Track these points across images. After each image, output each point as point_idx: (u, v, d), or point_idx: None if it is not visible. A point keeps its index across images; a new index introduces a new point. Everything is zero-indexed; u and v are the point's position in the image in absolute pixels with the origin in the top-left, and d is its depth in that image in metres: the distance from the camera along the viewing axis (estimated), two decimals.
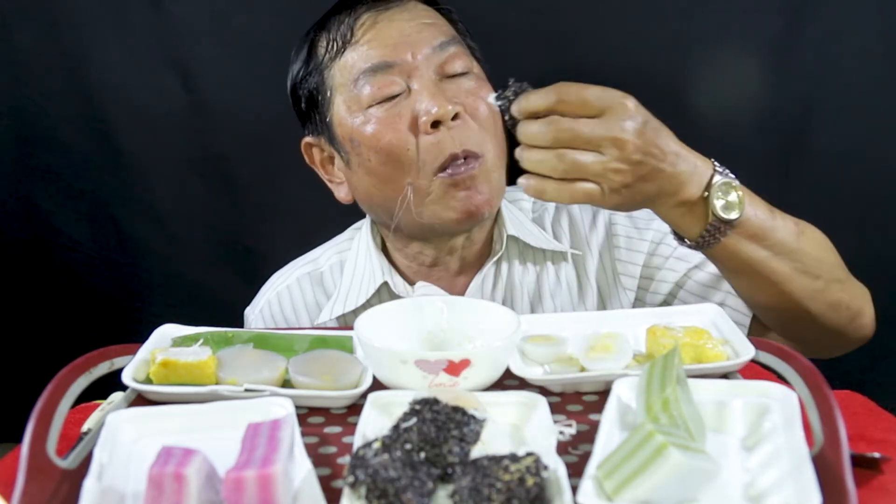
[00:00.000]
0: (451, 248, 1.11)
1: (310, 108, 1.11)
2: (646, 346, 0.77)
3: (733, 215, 0.87)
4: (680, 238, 0.93)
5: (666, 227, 1.10)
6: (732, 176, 0.89)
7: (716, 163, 0.91)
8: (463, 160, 1.01)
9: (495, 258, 1.12)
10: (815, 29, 1.51)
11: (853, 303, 1.01)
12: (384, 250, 1.16)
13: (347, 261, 1.18)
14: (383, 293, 1.13)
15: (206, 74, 1.59)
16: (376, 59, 1.02)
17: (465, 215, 1.03)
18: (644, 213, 1.14)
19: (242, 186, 1.65)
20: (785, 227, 0.92)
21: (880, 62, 1.53)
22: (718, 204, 0.87)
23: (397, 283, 1.13)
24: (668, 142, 0.88)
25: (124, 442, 0.63)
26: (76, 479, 0.58)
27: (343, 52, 1.05)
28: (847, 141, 1.56)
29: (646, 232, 1.14)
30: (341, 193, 1.14)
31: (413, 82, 1.02)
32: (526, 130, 0.84)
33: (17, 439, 0.62)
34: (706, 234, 0.88)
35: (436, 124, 1.00)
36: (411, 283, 1.14)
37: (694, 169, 0.89)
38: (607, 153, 0.82)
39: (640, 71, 1.56)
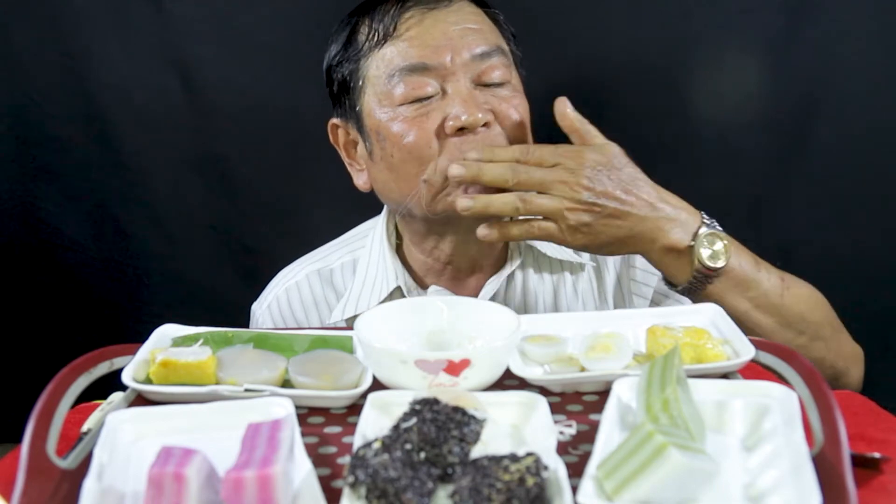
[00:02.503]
0: (466, 244, 1.10)
1: (341, 93, 1.10)
2: (646, 346, 0.77)
3: (719, 264, 0.96)
4: (669, 283, 1.01)
5: None
6: (719, 227, 0.98)
7: (704, 214, 0.99)
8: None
9: (512, 268, 1.13)
10: (815, 29, 1.51)
11: (838, 363, 1.05)
12: (398, 251, 1.16)
13: (360, 260, 1.17)
14: (396, 297, 1.13)
15: (206, 74, 1.59)
16: (415, 59, 1.02)
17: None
18: None
19: (242, 186, 1.65)
20: (769, 280, 1.00)
21: (880, 62, 1.53)
22: (705, 253, 0.96)
23: (410, 287, 1.13)
24: (642, 189, 0.97)
25: (124, 442, 0.63)
26: (76, 479, 0.58)
27: (383, 45, 1.04)
28: (847, 141, 1.56)
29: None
30: (360, 181, 1.13)
31: (448, 86, 1.02)
32: (493, 170, 0.96)
33: (17, 439, 0.62)
34: (693, 280, 0.97)
35: (462, 129, 1.00)
36: (424, 288, 1.14)
37: (677, 217, 0.97)
38: (559, 193, 0.94)
39: (641, 71, 1.56)
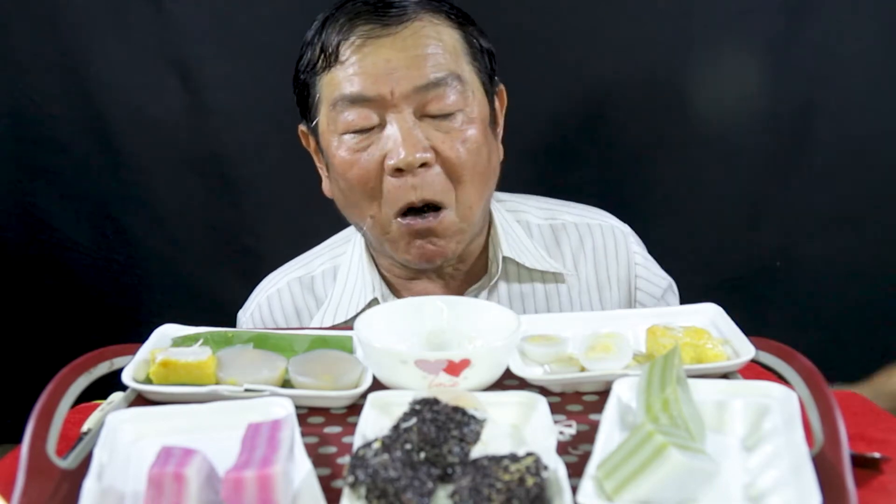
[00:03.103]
0: (419, 269, 1.09)
1: (302, 103, 1.09)
2: (646, 346, 0.77)
3: None
4: None
5: (669, 279, 1.16)
6: None
7: None
8: (423, 209, 1.00)
9: (491, 283, 1.12)
10: (815, 29, 1.51)
11: None
12: (373, 258, 1.15)
13: (341, 267, 1.16)
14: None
15: (206, 74, 1.59)
16: (355, 90, 0.98)
17: (419, 260, 1.03)
18: (652, 263, 1.18)
19: (242, 186, 1.65)
20: None
21: (880, 62, 1.53)
22: None
23: (387, 298, 1.12)
24: None
25: (124, 442, 0.63)
26: (76, 480, 0.58)
27: (330, 68, 1.01)
28: (847, 141, 1.56)
29: (661, 279, 1.17)
30: (325, 187, 1.13)
31: (388, 119, 0.99)
32: None
33: (17, 439, 0.62)
34: None
35: (400, 170, 0.98)
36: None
37: None
38: None
39: (641, 71, 1.56)
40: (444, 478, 0.57)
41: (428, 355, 0.68)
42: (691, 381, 0.65)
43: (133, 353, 0.76)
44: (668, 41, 1.54)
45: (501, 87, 1.11)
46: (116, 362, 0.75)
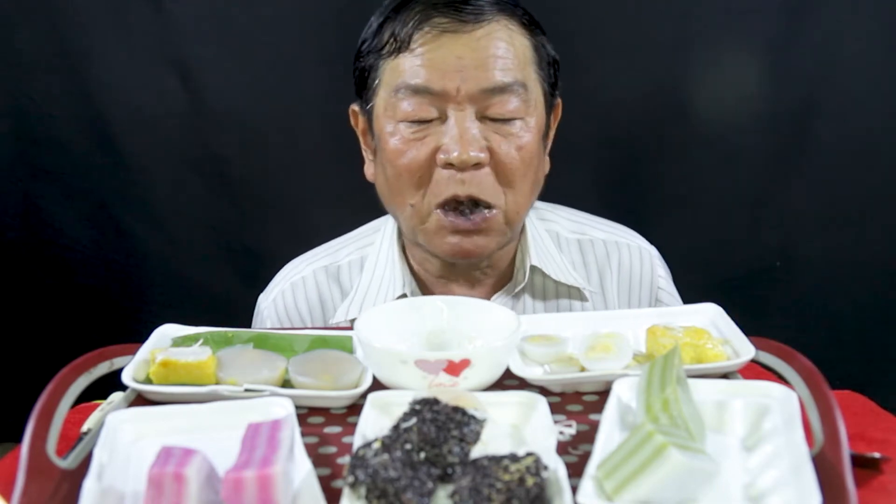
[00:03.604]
0: (452, 266, 1.09)
1: (360, 84, 1.07)
2: (646, 346, 0.77)
3: None
4: None
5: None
6: None
7: None
8: (467, 206, 0.99)
9: (516, 290, 1.11)
10: (815, 29, 1.51)
11: None
12: (405, 252, 1.14)
13: (368, 258, 1.15)
14: None
15: (206, 74, 1.59)
16: (420, 80, 0.97)
17: (452, 256, 1.03)
18: (673, 287, 1.18)
19: (242, 186, 1.65)
20: None
21: (880, 62, 1.53)
22: None
23: (416, 295, 1.11)
24: None
25: (124, 442, 0.63)
26: (76, 479, 0.58)
27: (398, 55, 1.00)
28: (846, 141, 1.56)
29: (677, 302, 1.17)
30: (368, 171, 1.11)
31: (450, 114, 0.98)
32: None
33: (17, 439, 0.62)
34: None
35: (452, 164, 0.98)
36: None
37: None
38: None
39: (641, 71, 1.56)
40: (444, 478, 0.57)
41: (428, 355, 0.68)
42: (691, 381, 0.65)
43: (133, 353, 0.76)
44: (668, 41, 1.54)
45: (559, 100, 1.10)
46: (116, 362, 0.75)
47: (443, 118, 0.99)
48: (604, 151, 1.61)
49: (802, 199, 1.60)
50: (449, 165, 0.98)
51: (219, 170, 1.64)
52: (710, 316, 0.82)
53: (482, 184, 0.99)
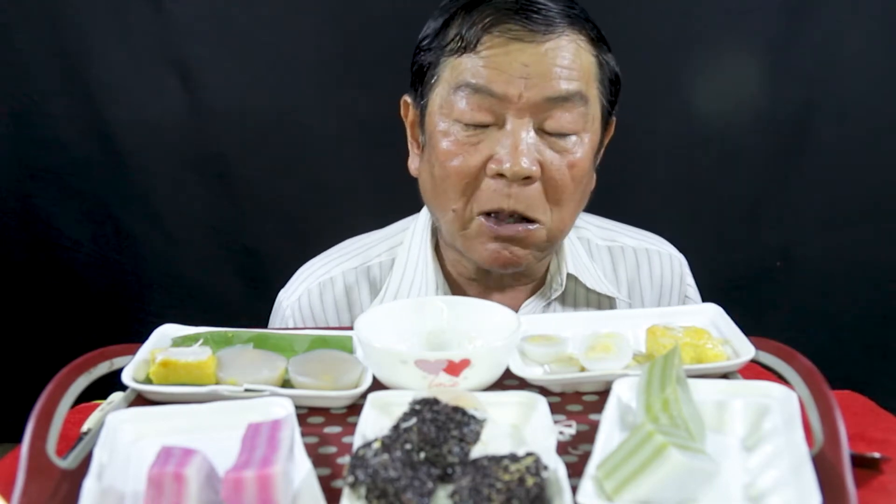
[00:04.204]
0: (489, 273, 1.07)
1: (417, 77, 1.05)
2: (646, 346, 0.77)
3: None
4: None
5: None
6: None
7: None
8: (510, 217, 0.98)
9: (553, 295, 1.10)
10: (815, 29, 1.51)
11: None
12: (436, 252, 1.12)
13: (398, 257, 1.12)
14: None
15: (206, 74, 1.60)
16: (482, 82, 0.95)
17: (490, 263, 1.01)
18: (697, 295, 1.18)
19: (242, 186, 1.65)
20: None
21: (880, 62, 1.53)
22: None
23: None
24: None
25: (124, 442, 0.63)
26: (76, 479, 0.58)
27: (462, 53, 0.98)
28: (846, 141, 1.56)
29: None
30: (412, 164, 1.09)
31: (508, 121, 0.97)
32: None
33: (17, 439, 0.62)
34: None
35: (502, 174, 0.96)
36: None
37: None
38: None
39: (641, 71, 1.56)
40: (444, 478, 0.57)
41: (428, 355, 0.68)
42: (691, 381, 0.65)
43: (133, 353, 0.76)
44: (669, 41, 1.54)
45: (614, 118, 1.09)
46: (116, 362, 0.75)
47: (499, 125, 0.97)
48: (603, 151, 1.60)
49: (802, 199, 1.60)
50: (499, 176, 0.96)
51: (219, 170, 1.64)
52: (710, 316, 0.82)
53: (529, 199, 0.97)
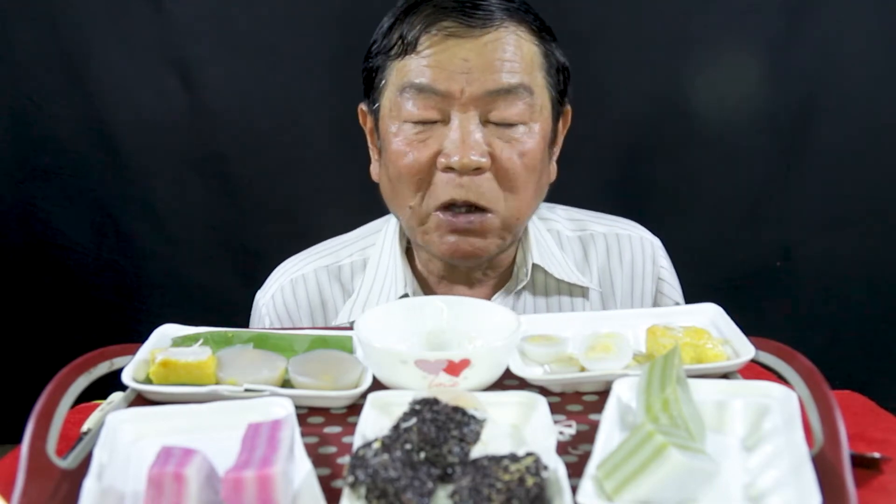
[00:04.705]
0: (454, 267, 1.09)
1: (368, 83, 1.08)
2: (646, 346, 0.77)
3: None
4: None
5: (681, 298, 1.17)
6: None
7: None
8: (465, 208, 1.00)
9: (518, 287, 1.11)
10: (815, 29, 1.51)
11: None
12: (408, 253, 1.14)
13: (371, 259, 1.15)
14: None
15: (206, 74, 1.59)
16: (425, 80, 0.98)
17: (452, 256, 1.03)
18: (675, 279, 1.18)
19: (242, 186, 1.65)
20: None
21: (880, 62, 1.53)
22: None
23: (419, 295, 1.11)
24: None
25: (124, 442, 0.63)
26: (76, 479, 0.58)
27: (405, 56, 1.00)
28: (847, 141, 1.56)
29: (677, 296, 1.18)
30: (373, 170, 1.12)
31: (453, 117, 0.98)
32: None
33: (17, 439, 0.62)
34: None
35: (452, 168, 0.98)
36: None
37: None
38: None
39: (641, 71, 1.56)
40: (444, 478, 0.57)
41: (428, 355, 0.68)
42: (691, 381, 0.65)
43: (133, 353, 0.76)
44: (669, 41, 1.54)
45: (568, 108, 1.10)
46: (116, 362, 0.75)
47: (445, 121, 0.99)
48: (604, 151, 1.61)
49: (802, 199, 1.60)
50: (449, 169, 0.98)
51: (219, 170, 1.64)
52: (710, 316, 0.82)
53: (481, 188, 0.99)
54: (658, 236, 1.23)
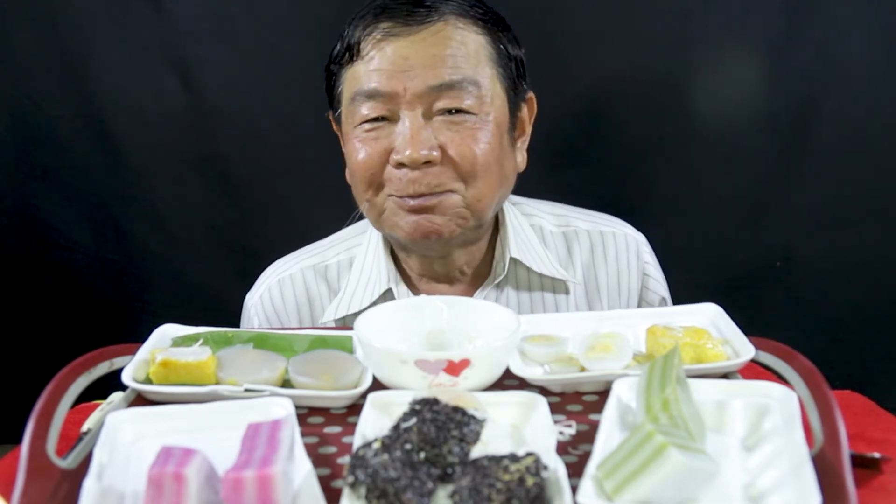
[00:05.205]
0: (429, 261, 1.11)
1: (329, 92, 1.12)
2: (646, 346, 0.77)
3: None
4: None
5: (666, 293, 1.19)
6: None
7: None
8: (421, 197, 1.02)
9: (496, 281, 1.12)
10: (815, 29, 1.51)
11: None
12: (393, 252, 1.16)
13: (356, 258, 1.17)
14: (388, 299, 1.12)
15: (206, 74, 1.59)
16: (371, 85, 1.01)
17: (414, 235, 1.04)
18: (660, 274, 1.20)
19: (242, 186, 1.65)
20: None
21: (880, 62, 1.53)
22: None
23: (401, 291, 1.13)
24: None
25: (124, 442, 0.63)
26: (76, 479, 0.58)
27: (352, 63, 1.04)
28: (847, 141, 1.56)
29: (663, 290, 1.19)
30: (347, 173, 1.14)
31: (401, 114, 1.01)
32: None
33: (17, 439, 0.62)
34: None
35: (404, 164, 1.01)
36: (416, 293, 1.14)
37: None
38: None
39: (642, 71, 1.56)
40: (444, 478, 0.57)
41: (428, 355, 0.68)
42: (691, 381, 0.65)
43: (133, 353, 0.76)
44: (668, 41, 1.54)
45: (531, 95, 1.11)
46: (116, 362, 0.75)
47: (395, 119, 1.02)
48: (603, 151, 1.60)
49: (802, 199, 1.60)
50: (401, 165, 1.01)
51: (219, 170, 1.64)
52: (710, 316, 0.82)
53: (436, 178, 1.01)
54: (658, 237, 1.23)
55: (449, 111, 1.01)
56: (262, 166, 1.63)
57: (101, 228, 1.68)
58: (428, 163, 1.00)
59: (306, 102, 1.60)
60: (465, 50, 1.01)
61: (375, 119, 1.02)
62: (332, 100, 1.11)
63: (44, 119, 1.62)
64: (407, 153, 0.99)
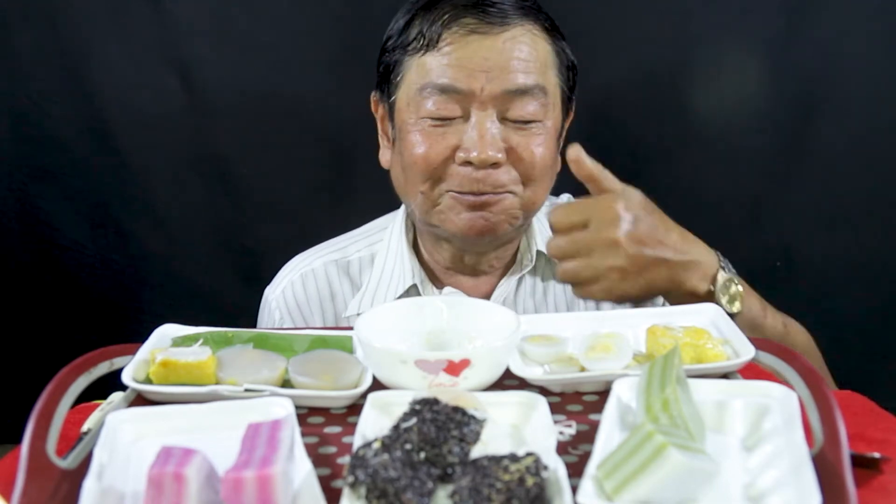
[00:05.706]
0: (461, 253, 1.12)
1: (384, 76, 1.10)
2: (646, 346, 0.77)
3: (735, 309, 0.95)
4: None
5: None
6: (733, 269, 0.98)
7: (720, 256, 0.99)
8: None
9: (522, 273, 1.14)
10: (815, 29, 1.51)
11: None
12: (415, 247, 1.16)
13: (378, 254, 1.17)
14: (412, 294, 1.14)
15: (206, 74, 1.59)
16: (447, 80, 1.01)
17: (468, 232, 1.05)
18: None
19: (242, 186, 1.65)
20: (774, 326, 1.02)
21: (880, 62, 1.53)
22: (723, 299, 0.95)
23: (426, 285, 1.14)
24: (670, 234, 0.97)
25: (124, 442, 0.63)
26: (76, 479, 0.58)
27: (425, 52, 1.03)
28: (846, 141, 1.56)
29: None
30: (383, 157, 1.14)
31: (472, 113, 1.01)
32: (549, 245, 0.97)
33: (17, 439, 0.62)
34: None
35: (470, 162, 1.01)
36: (440, 287, 1.15)
37: (699, 260, 0.96)
38: (601, 255, 0.92)
39: (641, 71, 1.56)
40: (444, 478, 0.57)
41: (428, 355, 0.68)
42: (691, 381, 0.65)
43: (133, 353, 0.76)
44: (668, 41, 1.54)
45: (573, 103, 1.13)
46: (116, 362, 0.75)
47: (465, 117, 1.02)
48: (603, 151, 1.60)
49: (802, 199, 1.60)
50: (467, 164, 1.01)
51: (219, 170, 1.64)
52: (710, 316, 0.82)
53: (498, 180, 1.02)
54: None
55: (515, 121, 1.02)
56: (262, 166, 1.63)
57: (102, 228, 1.68)
58: (494, 164, 1.01)
59: (306, 102, 1.61)
60: (537, 56, 1.03)
61: (444, 118, 1.02)
62: (387, 84, 1.09)
63: (44, 119, 1.62)
64: (475, 154, 1.00)
